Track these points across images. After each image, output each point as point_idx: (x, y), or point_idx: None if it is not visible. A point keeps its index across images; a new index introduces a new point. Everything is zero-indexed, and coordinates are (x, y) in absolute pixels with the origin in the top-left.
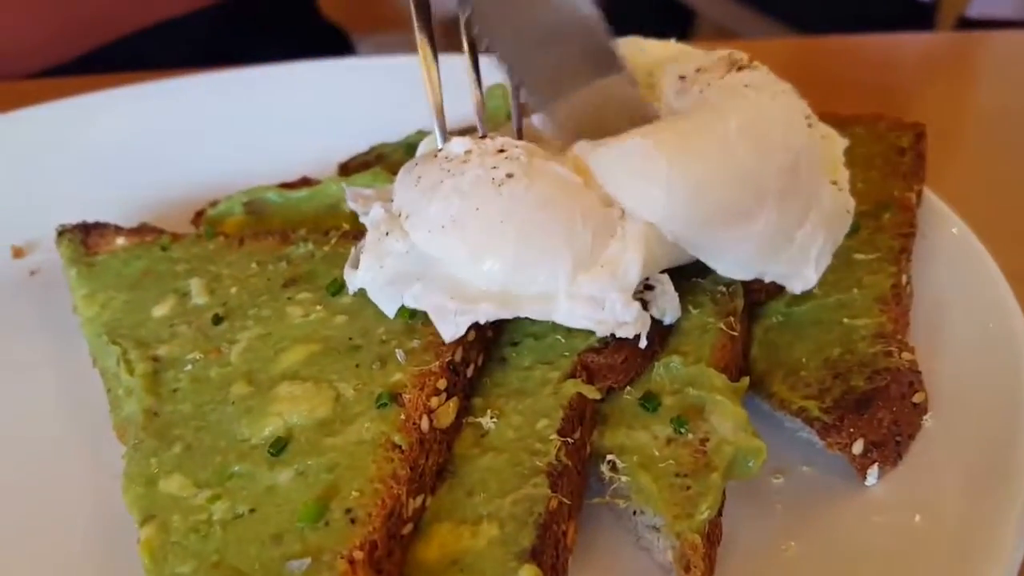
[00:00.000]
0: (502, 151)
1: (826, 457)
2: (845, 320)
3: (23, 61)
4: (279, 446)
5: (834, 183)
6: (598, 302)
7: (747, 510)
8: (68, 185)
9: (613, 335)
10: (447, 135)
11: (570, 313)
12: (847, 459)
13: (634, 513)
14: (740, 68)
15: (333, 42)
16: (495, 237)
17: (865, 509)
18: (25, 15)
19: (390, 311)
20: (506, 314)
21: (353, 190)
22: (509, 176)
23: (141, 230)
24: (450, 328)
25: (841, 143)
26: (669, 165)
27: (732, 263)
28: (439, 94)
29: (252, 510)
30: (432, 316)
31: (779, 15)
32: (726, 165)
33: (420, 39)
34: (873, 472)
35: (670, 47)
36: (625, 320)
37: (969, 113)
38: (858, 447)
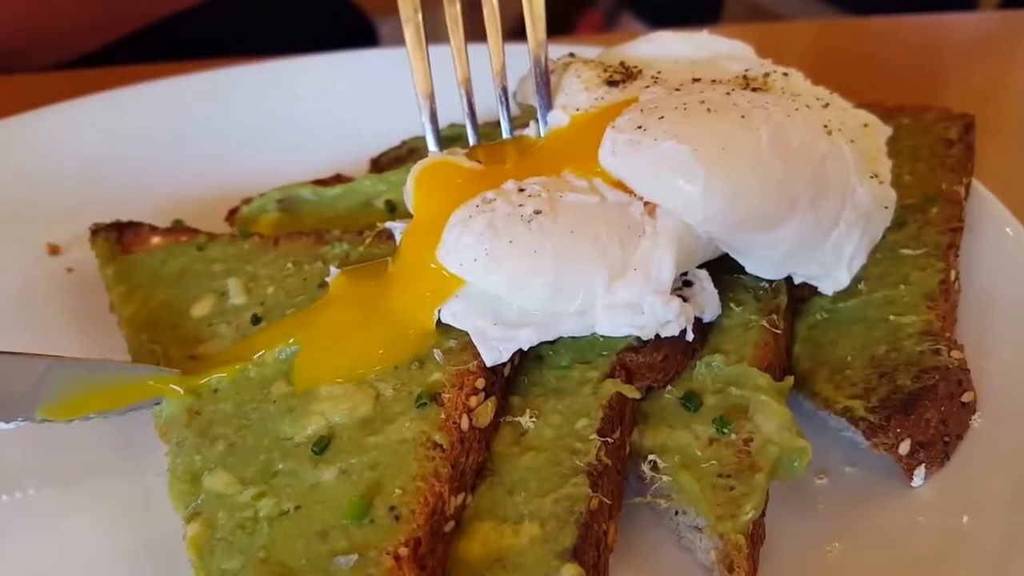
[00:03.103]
0: (522, 190)
1: (871, 457)
2: (891, 317)
3: (46, 51)
4: (322, 444)
5: (875, 176)
6: (637, 307)
7: (790, 511)
8: (101, 182)
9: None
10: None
11: (611, 323)
12: (893, 459)
13: (676, 513)
14: (755, 89)
15: (358, 26)
16: (531, 266)
17: (911, 510)
18: (47, 3)
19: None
20: (548, 336)
21: (391, 224)
22: (537, 212)
23: (175, 229)
24: (493, 355)
25: (884, 132)
26: (709, 171)
27: (763, 263)
28: (429, 83)
29: (298, 507)
30: (474, 339)
31: None
32: (760, 174)
33: (407, 28)
34: (920, 473)
35: (699, 40)
36: (667, 319)
37: (1014, 97)
38: (905, 447)
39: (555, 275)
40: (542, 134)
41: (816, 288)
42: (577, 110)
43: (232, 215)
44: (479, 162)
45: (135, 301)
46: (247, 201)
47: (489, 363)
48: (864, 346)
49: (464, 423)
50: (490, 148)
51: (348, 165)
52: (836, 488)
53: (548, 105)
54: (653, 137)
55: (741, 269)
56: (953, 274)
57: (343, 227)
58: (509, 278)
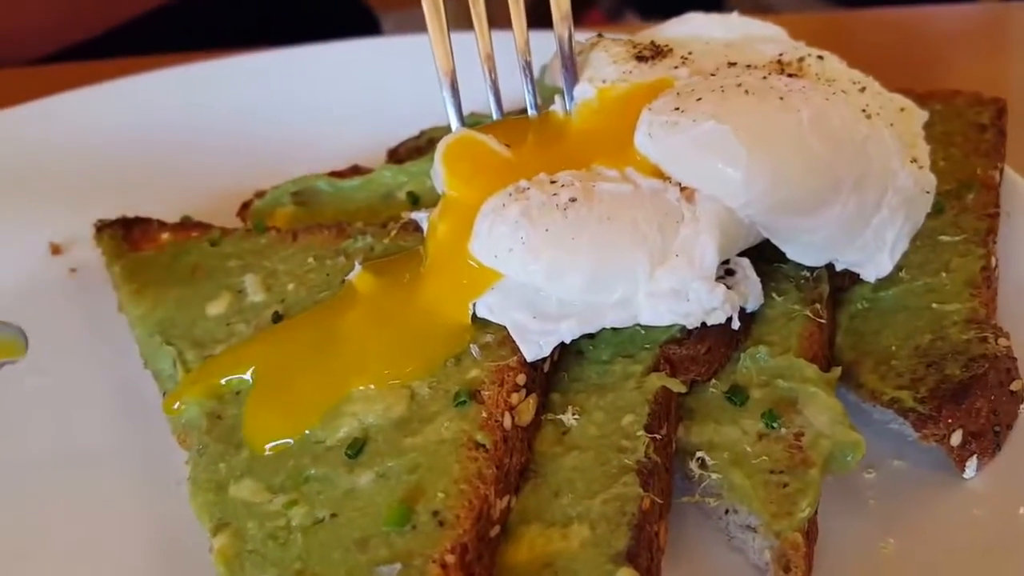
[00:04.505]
0: (554, 182)
1: (918, 449)
2: (935, 305)
3: (34, 42)
4: (356, 447)
5: (914, 161)
6: (681, 294)
7: (839, 507)
8: (103, 177)
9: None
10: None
11: (654, 311)
12: (944, 451)
13: (726, 512)
14: (791, 75)
15: (360, 18)
16: (570, 253)
17: (965, 503)
18: None
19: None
20: (590, 328)
21: (416, 214)
22: (572, 200)
23: (185, 225)
24: (533, 349)
25: (921, 116)
26: (748, 152)
27: (805, 249)
28: (449, 57)
29: (333, 515)
30: (513, 334)
31: None
32: (802, 155)
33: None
34: (972, 464)
35: (731, 22)
36: (713, 306)
37: (1017, 86)
38: (956, 438)
39: (595, 263)
40: (568, 109)
41: (856, 277)
42: (604, 82)
43: (244, 209)
44: (505, 144)
45: (146, 300)
46: (260, 194)
47: (530, 358)
48: (908, 335)
49: (507, 421)
50: (514, 125)
51: (363, 156)
52: (885, 482)
53: (574, 80)
54: (692, 118)
55: (781, 258)
56: (994, 261)
57: (363, 220)
58: (547, 267)
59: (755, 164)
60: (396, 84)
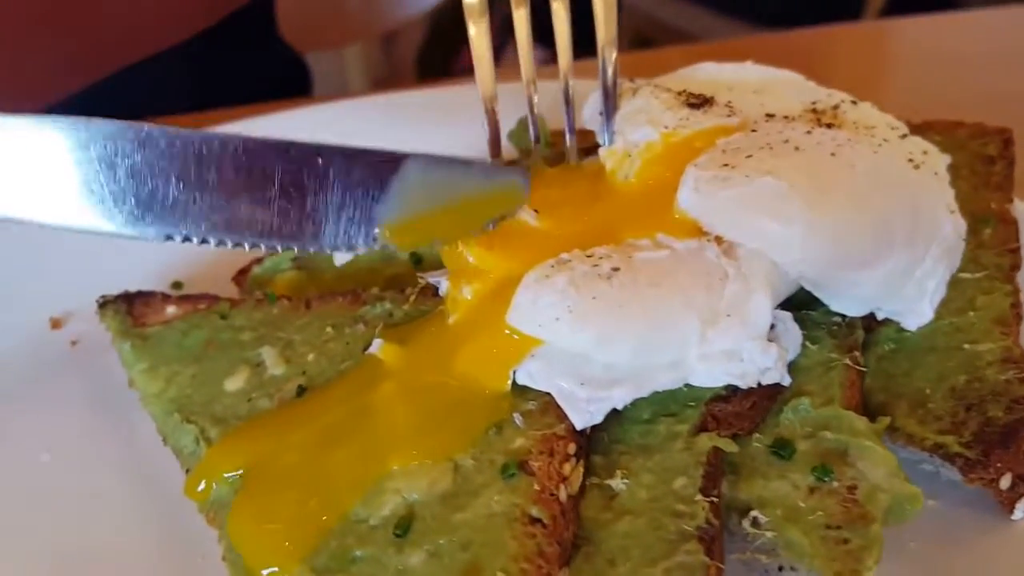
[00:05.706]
0: (590, 256)
1: (952, 489)
2: (966, 345)
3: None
4: (404, 526)
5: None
6: (735, 355)
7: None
8: (86, 243)
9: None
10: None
11: (708, 374)
12: (993, 495)
13: (780, 569)
14: (828, 124)
15: (292, 67)
16: (619, 320)
17: (1017, 546)
18: None
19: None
20: (643, 393)
21: (432, 277)
22: (615, 270)
23: (191, 297)
24: (584, 417)
25: (944, 160)
26: (809, 209)
27: (851, 300)
28: (492, 84)
29: None
30: (560, 401)
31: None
32: (859, 210)
33: (473, 27)
34: (1021, 506)
35: (748, 71)
36: (767, 366)
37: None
38: (1006, 482)
39: (645, 328)
40: (606, 143)
41: (878, 318)
42: (666, 128)
43: (241, 276)
44: (536, 209)
45: (159, 378)
46: (258, 260)
47: (580, 426)
48: (941, 376)
49: (562, 494)
50: (553, 179)
51: None
52: (924, 524)
53: (614, 110)
54: (744, 174)
55: (809, 304)
56: (1022, 297)
57: (364, 282)
58: (597, 335)
59: (814, 221)
60: (379, 141)
